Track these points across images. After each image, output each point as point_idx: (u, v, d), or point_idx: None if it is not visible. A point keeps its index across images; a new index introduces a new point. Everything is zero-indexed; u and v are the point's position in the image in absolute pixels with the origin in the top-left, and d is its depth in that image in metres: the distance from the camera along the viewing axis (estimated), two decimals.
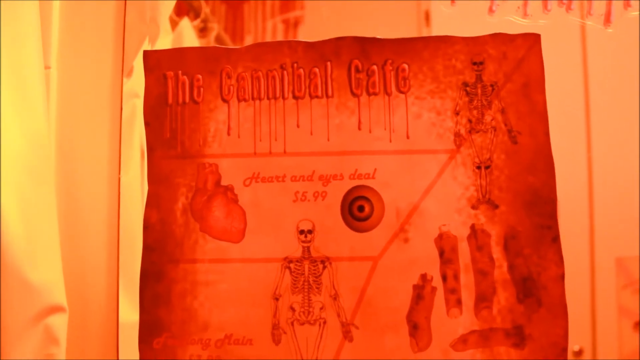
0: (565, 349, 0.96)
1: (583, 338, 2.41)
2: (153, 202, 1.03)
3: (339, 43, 1.03)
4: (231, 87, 1.04)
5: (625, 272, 2.39)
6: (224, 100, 1.04)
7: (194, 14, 1.98)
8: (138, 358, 1.01)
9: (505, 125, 1.00)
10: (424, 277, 0.98)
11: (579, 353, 2.36)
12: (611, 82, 2.26)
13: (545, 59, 1.00)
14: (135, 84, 1.21)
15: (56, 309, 1.00)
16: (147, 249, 1.02)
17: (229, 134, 1.03)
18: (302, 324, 1.00)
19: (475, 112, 1.00)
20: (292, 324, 1.00)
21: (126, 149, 1.23)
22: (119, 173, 1.09)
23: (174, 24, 1.79)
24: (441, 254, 0.99)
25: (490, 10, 1.07)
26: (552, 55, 1.03)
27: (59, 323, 1.00)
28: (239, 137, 1.03)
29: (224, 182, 1.03)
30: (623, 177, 2.32)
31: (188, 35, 1.79)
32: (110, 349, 1.06)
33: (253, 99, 1.03)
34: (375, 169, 1.00)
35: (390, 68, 1.02)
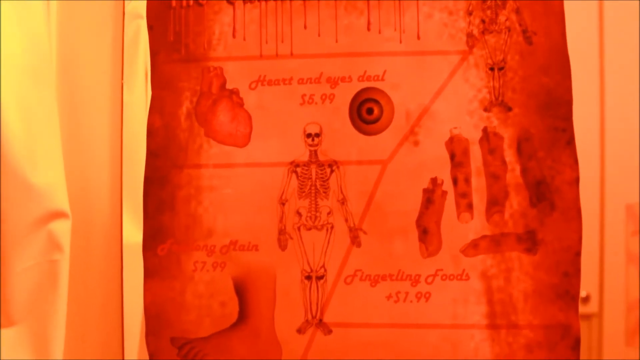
0: (578, 254, 0.94)
1: (590, 284, 2.39)
2: (157, 107, 1.00)
3: None
4: None
5: (635, 218, 2.36)
6: (229, 2, 1.00)
7: None
8: (142, 265, 1.00)
9: (520, 25, 0.96)
10: (434, 180, 0.96)
11: (585, 299, 2.34)
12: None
13: None
14: (139, 5, 1.18)
15: (59, 215, 0.97)
16: (151, 154, 1.00)
17: (234, 36, 1.00)
18: (309, 229, 0.98)
19: (488, 12, 0.97)
20: (299, 229, 0.98)
21: (131, 68, 1.20)
22: (122, 79, 1.06)
23: None
24: (452, 157, 0.96)
25: None
26: None
27: (62, 229, 0.98)
28: (244, 39, 1.00)
29: (229, 86, 1.00)
30: (635, 123, 2.28)
31: None
32: (115, 257, 1.05)
33: None
34: (385, 71, 0.97)
35: None
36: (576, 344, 0.94)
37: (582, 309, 2.38)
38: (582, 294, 2.30)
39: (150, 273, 0.99)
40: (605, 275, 2.45)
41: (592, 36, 2.21)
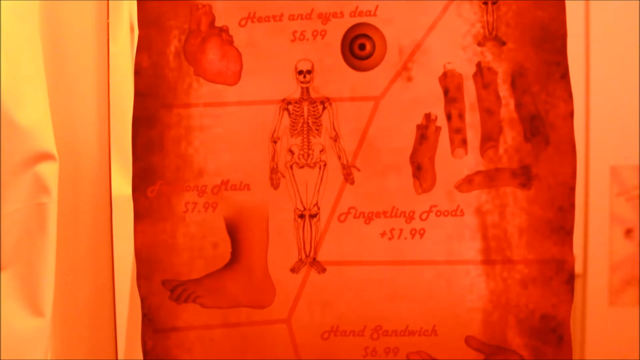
0: (573, 188, 0.94)
1: (575, 245, 2.40)
2: (144, 46, 0.98)
3: None
4: None
5: (619, 180, 2.38)
6: None
7: None
8: (132, 207, 0.98)
9: None
10: (428, 116, 0.95)
11: None
12: None
13: None
14: None
15: (45, 156, 0.95)
16: (139, 94, 0.98)
17: None
18: (302, 167, 0.96)
19: None
20: (291, 167, 0.96)
21: (117, 7, 1.16)
22: (108, 18, 1.04)
23: None
24: (446, 92, 0.95)
25: None
26: None
27: (49, 171, 0.95)
28: None
29: (218, 23, 0.98)
30: (620, 85, 2.28)
31: None
32: (104, 200, 1.03)
33: None
34: (377, 6, 0.95)
35: None
36: (570, 279, 0.94)
37: None
38: None
39: (140, 215, 0.98)
40: (590, 236, 2.47)
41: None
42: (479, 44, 0.94)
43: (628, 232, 2.43)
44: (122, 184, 1.02)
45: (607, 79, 2.33)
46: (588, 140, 2.42)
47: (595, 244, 2.45)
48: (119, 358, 1.04)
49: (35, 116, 0.94)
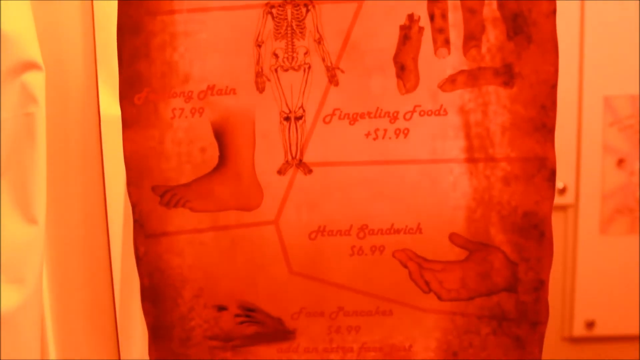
0: (554, 86, 0.95)
1: (567, 176, 2.42)
2: None
3: None
4: None
5: (612, 110, 2.38)
6: None
7: None
8: (120, 115, 0.99)
9: None
10: (410, 17, 0.95)
11: (562, 190, 2.38)
12: None
13: None
14: None
15: (31, 66, 0.96)
16: (122, 2, 0.98)
17: None
18: (286, 70, 0.97)
19: None
20: (276, 70, 0.97)
21: None
22: None
23: None
24: None
25: None
26: None
27: (36, 81, 0.96)
28: None
29: None
30: (614, 14, 2.26)
31: None
32: (91, 108, 1.04)
33: None
34: None
35: None
36: (552, 176, 0.95)
37: (559, 200, 2.42)
38: (559, 185, 2.33)
39: (128, 123, 0.99)
40: (582, 166, 2.48)
41: None
42: None
43: (620, 162, 2.44)
44: (109, 94, 1.03)
45: (602, 8, 2.31)
46: (582, 69, 2.41)
47: (587, 173, 2.46)
48: (113, 265, 1.06)
49: (18, 23, 0.94)
